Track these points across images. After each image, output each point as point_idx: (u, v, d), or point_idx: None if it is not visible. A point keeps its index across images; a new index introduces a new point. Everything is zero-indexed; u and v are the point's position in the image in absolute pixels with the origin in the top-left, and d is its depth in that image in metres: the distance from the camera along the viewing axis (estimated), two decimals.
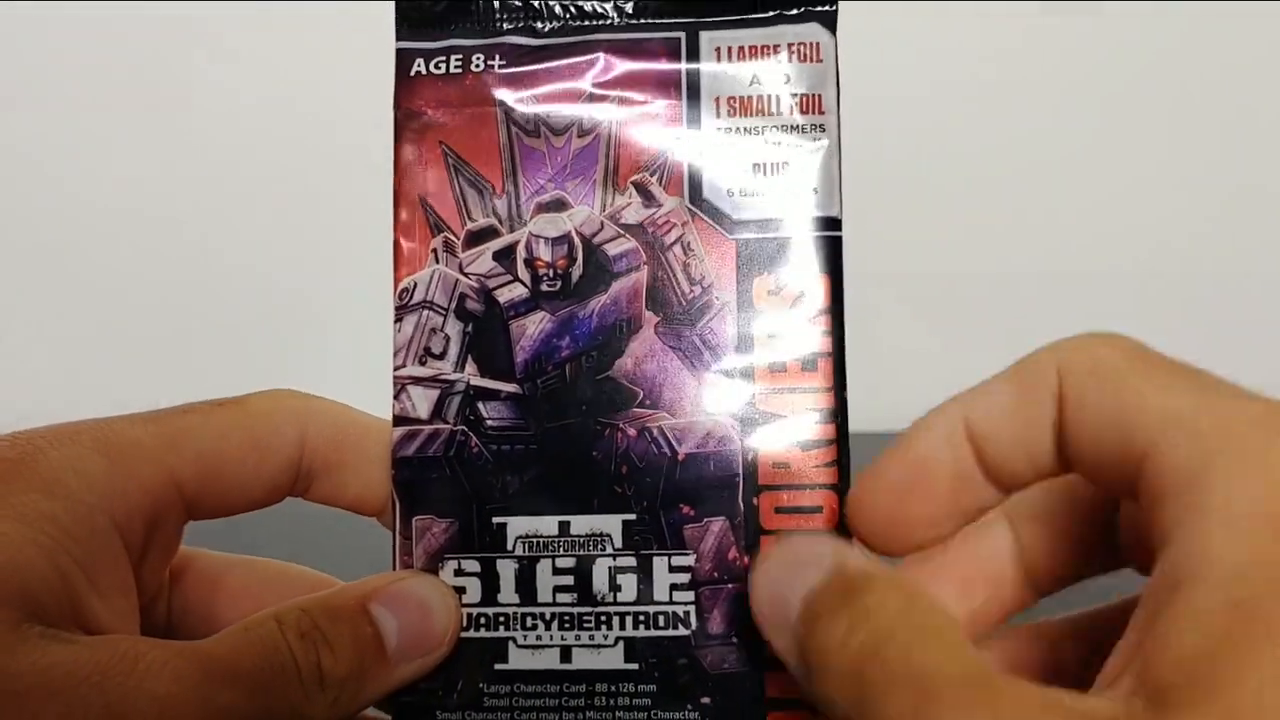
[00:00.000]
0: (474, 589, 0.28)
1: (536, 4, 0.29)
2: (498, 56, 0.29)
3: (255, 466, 0.28)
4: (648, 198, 0.29)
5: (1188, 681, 0.18)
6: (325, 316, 0.70)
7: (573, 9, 0.29)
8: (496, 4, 0.29)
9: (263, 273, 0.70)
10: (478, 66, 0.29)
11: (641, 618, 0.28)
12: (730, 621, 0.28)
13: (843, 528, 0.27)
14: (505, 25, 0.29)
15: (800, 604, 0.23)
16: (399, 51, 0.30)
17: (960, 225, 0.69)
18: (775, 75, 0.28)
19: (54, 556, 0.24)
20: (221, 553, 0.30)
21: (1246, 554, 0.19)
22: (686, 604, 0.28)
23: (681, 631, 0.28)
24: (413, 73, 0.29)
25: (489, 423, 0.29)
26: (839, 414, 0.28)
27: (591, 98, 0.29)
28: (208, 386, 0.30)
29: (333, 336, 0.69)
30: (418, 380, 0.29)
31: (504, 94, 0.29)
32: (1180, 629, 0.19)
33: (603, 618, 0.28)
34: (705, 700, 0.28)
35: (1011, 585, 0.27)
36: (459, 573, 0.28)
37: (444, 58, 0.29)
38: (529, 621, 0.28)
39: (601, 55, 0.29)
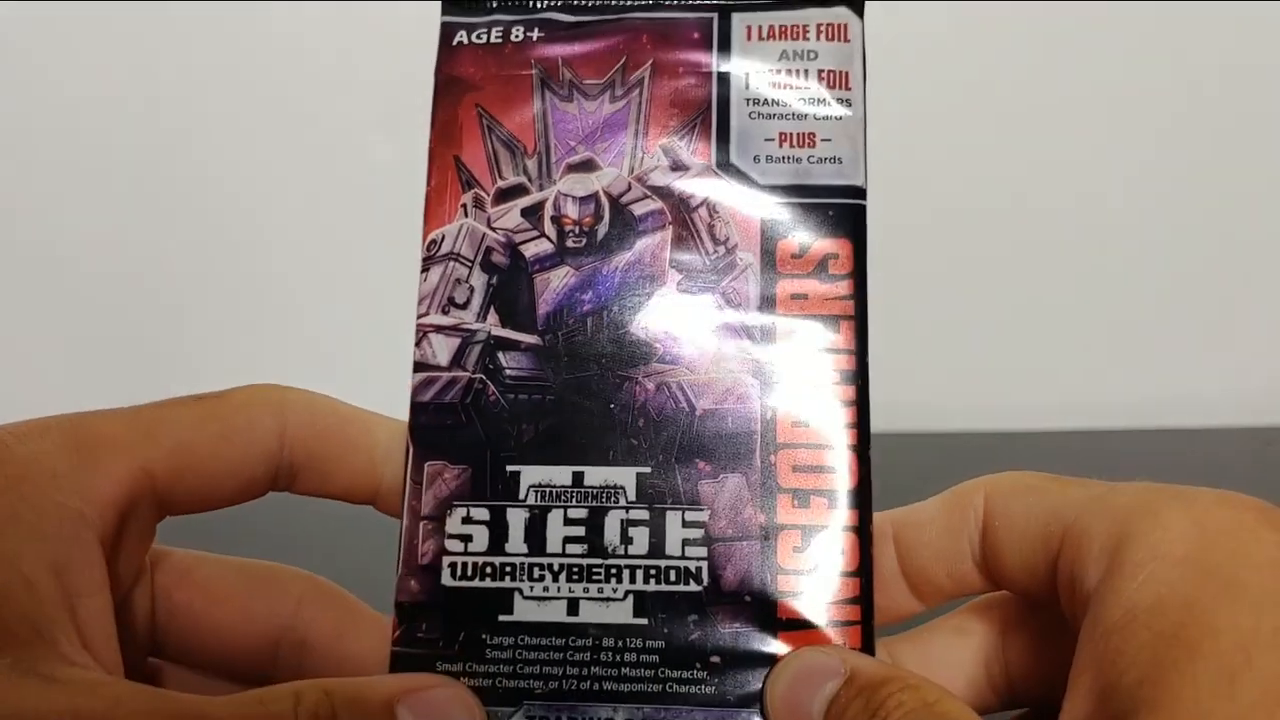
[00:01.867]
0: (481, 537, 0.28)
1: None
2: (537, 29, 0.30)
3: (231, 459, 0.27)
4: (676, 161, 0.29)
5: (1135, 709, 0.21)
6: (316, 312, 0.67)
7: None
8: None
9: (255, 269, 0.67)
10: (517, 38, 0.30)
11: (653, 572, 0.27)
12: (743, 580, 0.27)
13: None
14: (545, 3, 0.31)
15: (821, 708, 0.25)
16: (443, 25, 0.31)
17: (980, 220, 0.66)
18: (803, 52, 0.30)
19: (18, 562, 0.23)
20: (216, 555, 0.30)
21: (1165, 593, 0.22)
22: (699, 560, 0.27)
23: (693, 588, 0.27)
24: (455, 42, 0.31)
25: (508, 372, 0.28)
26: (860, 376, 0.28)
27: (625, 68, 0.30)
28: (196, 385, 0.29)
29: (322, 333, 0.67)
30: (439, 328, 0.29)
31: (541, 61, 0.30)
32: (1121, 668, 0.22)
33: (612, 570, 0.27)
34: (715, 659, 0.27)
35: (979, 689, 0.29)
36: (466, 520, 0.28)
37: (485, 30, 0.31)
38: (536, 572, 0.27)
39: (636, 32, 0.30)
